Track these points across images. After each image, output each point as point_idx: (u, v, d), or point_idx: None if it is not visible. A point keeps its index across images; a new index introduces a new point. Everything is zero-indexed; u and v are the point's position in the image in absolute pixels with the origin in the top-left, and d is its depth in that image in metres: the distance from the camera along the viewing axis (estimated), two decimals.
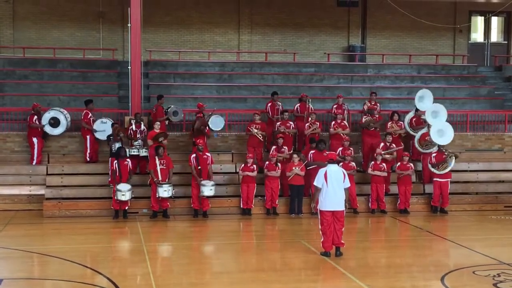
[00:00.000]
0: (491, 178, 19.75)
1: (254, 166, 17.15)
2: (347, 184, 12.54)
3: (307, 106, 19.46)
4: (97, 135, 18.51)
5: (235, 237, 15.42)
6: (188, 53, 25.71)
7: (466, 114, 21.47)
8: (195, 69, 23.86)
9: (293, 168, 16.94)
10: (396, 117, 19.03)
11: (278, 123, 18.71)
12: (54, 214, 16.63)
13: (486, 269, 11.62)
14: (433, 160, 17.67)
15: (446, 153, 17.64)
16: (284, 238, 15.23)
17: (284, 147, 17.80)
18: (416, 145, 18.62)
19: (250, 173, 16.97)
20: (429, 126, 18.36)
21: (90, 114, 18.66)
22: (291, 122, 18.79)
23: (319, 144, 17.03)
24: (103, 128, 18.47)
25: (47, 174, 17.96)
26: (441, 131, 17.98)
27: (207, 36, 26.44)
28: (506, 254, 12.90)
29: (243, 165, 17.26)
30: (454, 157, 17.61)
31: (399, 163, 17.75)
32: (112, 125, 18.11)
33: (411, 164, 17.83)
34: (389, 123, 18.97)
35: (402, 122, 19.10)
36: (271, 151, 17.59)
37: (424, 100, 18.86)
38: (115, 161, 16.56)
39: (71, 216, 16.63)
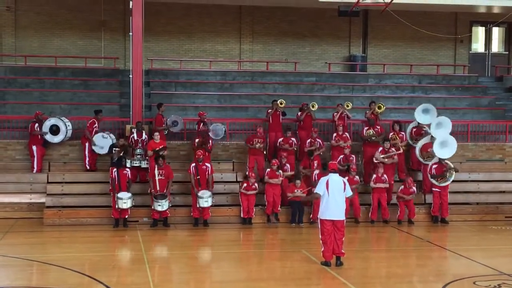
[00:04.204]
0: (492, 188, 19.74)
1: (256, 185, 17.18)
2: (349, 193, 12.55)
3: (308, 114, 19.46)
4: (95, 148, 18.37)
5: (235, 246, 15.40)
6: (189, 62, 25.74)
7: (467, 124, 21.49)
8: (196, 78, 23.89)
9: (295, 190, 17.05)
10: (397, 127, 19.01)
11: (281, 139, 18.63)
12: (54, 222, 16.62)
13: (486, 279, 11.59)
14: (433, 171, 17.68)
15: (446, 167, 17.62)
16: (285, 247, 15.22)
17: (287, 164, 17.76)
18: (417, 154, 18.60)
19: (252, 192, 17.03)
20: (432, 137, 18.33)
21: (95, 124, 18.62)
22: (293, 139, 18.68)
23: (325, 168, 16.60)
24: (103, 143, 18.29)
25: (48, 182, 17.96)
26: (444, 143, 17.91)
27: (209, 45, 26.49)
28: (507, 264, 12.86)
29: (245, 184, 17.12)
30: (453, 173, 17.62)
31: (402, 187, 17.66)
32: (114, 145, 17.98)
33: (414, 188, 17.80)
34: (391, 134, 18.91)
35: (403, 134, 19.05)
36: (272, 161, 17.56)
37: (429, 114, 18.90)
38: (114, 170, 16.59)
39: (71, 224, 16.62)
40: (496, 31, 28.94)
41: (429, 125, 18.85)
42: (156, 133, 17.68)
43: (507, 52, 28.90)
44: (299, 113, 19.73)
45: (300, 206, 17.23)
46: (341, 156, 17.89)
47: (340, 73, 25.92)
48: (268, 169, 17.29)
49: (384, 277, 12.16)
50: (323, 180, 12.47)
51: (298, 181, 17.19)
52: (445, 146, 17.93)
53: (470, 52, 28.54)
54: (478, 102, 24.29)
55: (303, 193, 17.04)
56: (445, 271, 12.86)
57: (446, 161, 17.84)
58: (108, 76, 23.66)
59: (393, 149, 18.24)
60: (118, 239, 15.68)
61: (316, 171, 17.16)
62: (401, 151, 18.55)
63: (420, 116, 19.09)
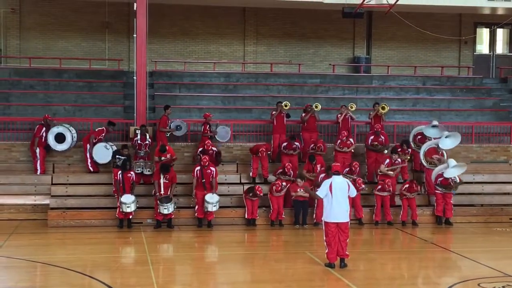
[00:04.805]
0: (497, 190, 19.70)
1: (261, 188, 17.17)
2: (353, 193, 12.56)
3: (312, 115, 19.47)
4: (96, 158, 18.30)
5: (239, 247, 15.40)
6: (193, 63, 25.78)
7: (471, 126, 21.46)
8: (200, 79, 23.90)
9: (298, 190, 17.03)
10: (405, 146, 18.85)
11: (285, 144, 18.60)
12: (58, 223, 16.64)
13: (491, 281, 11.57)
14: (439, 182, 17.64)
15: (451, 181, 17.56)
16: (289, 249, 15.22)
17: (290, 171, 17.74)
18: (421, 158, 18.53)
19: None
20: (438, 147, 18.22)
21: (103, 134, 18.59)
22: (296, 144, 18.70)
23: (329, 171, 16.70)
24: (104, 154, 18.20)
25: (52, 184, 17.98)
26: (457, 166, 17.82)
27: (213, 47, 26.51)
28: (511, 266, 12.83)
29: (250, 193, 17.11)
30: (458, 186, 17.58)
31: (407, 185, 17.65)
32: (118, 152, 17.97)
33: (418, 189, 17.78)
34: (398, 150, 18.76)
35: (410, 150, 18.96)
36: (277, 178, 17.56)
37: (438, 128, 18.75)
38: (119, 172, 16.60)
39: (75, 226, 16.64)
40: (500, 33, 28.90)
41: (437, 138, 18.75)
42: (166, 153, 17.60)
43: (511, 54, 28.86)
44: (303, 114, 19.74)
45: (304, 207, 17.21)
46: (347, 169, 17.78)
47: (344, 74, 25.94)
48: (274, 186, 17.26)
49: (388, 279, 12.13)
50: (326, 182, 12.46)
51: (299, 180, 17.14)
52: (455, 166, 17.79)
53: (474, 53, 28.51)
54: (483, 103, 24.26)
55: (305, 193, 17.00)
56: (449, 272, 12.84)
57: (456, 180, 17.74)
58: (112, 77, 23.69)
59: (399, 159, 18.18)
60: (122, 241, 15.70)
61: (322, 175, 17.15)
62: (406, 164, 18.55)
63: (428, 130, 18.94)
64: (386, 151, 18.83)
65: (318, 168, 17.71)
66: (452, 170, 17.34)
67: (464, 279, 11.79)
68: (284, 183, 17.23)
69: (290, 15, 26.60)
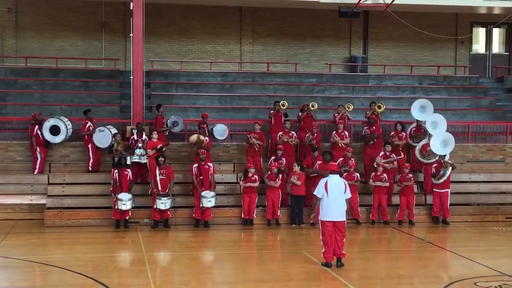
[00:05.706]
0: (493, 189, 19.74)
1: (256, 176, 17.14)
2: (348, 195, 12.54)
3: (309, 114, 19.50)
4: (96, 141, 18.42)
5: (236, 247, 15.40)
6: (190, 63, 25.77)
7: (467, 125, 21.50)
8: (197, 79, 23.89)
9: (292, 177, 16.99)
10: (399, 127, 19.05)
11: (280, 132, 18.70)
12: (55, 223, 16.62)
13: (487, 280, 11.59)
14: (433, 170, 17.76)
15: (444, 164, 17.64)
16: (285, 248, 15.23)
17: (283, 158, 17.77)
18: (417, 155, 18.61)
19: (252, 184, 16.97)
20: (429, 136, 18.37)
21: (89, 124, 18.68)
22: (293, 132, 18.80)
23: (325, 155, 17.03)
24: (102, 137, 18.41)
25: (49, 184, 17.95)
26: (444, 142, 17.99)
27: (209, 46, 26.50)
28: (507, 265, 12.86)
29: (242, 176, 17.25)
30: (450, 168, 17.60)
31: (400, 175, 17.76)
32: (114, 135, 18.10)
33: (411, 175, 17.81)
34: (392, 133, 19.05)
35: (404, 133, 19.08)
36: (270, 162, 17.64)
37: (425, 112, 18.93)
38: (116, 171, 16.59)
39: (72, 225, 16.62)
40: (496, 32, 28.95)
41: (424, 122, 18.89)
42: (154, 132, 17.78)
43: (507, 53, 28.93)
44: (299, 114, 19.76)
45: (299, 206, 17.18)
46: (340, 159, 17.87)
47: (341, 74, 25.96)
48: (268, 172, 17.29)
49: (385, 278, 12.15)
50: (322, 182, 12.48)
51: (295, 165, 17.08)
52: (444, 145, 17.96)
53: (470, 53, 28.56)
54: (479, 103, 24.30)
55: (298, 181, 16.94)
56: (446, 272, 12.88)
57: (446, 160, 17.84)
58: (108, 77, 23.67)
59: (393, 154, 18.25)
60: (119, 240, 15.69)
61: (318, 162, 17.20)
62: (402, 155, 18.60)
63: (416, 112, 19.07)
64: (374, 140, 18.81)
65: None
66: (441, 147, 17.50)
67: (461, 278, 11.81)
68: (280, 175, 17.17)
69: (286, 14, 26.61)
